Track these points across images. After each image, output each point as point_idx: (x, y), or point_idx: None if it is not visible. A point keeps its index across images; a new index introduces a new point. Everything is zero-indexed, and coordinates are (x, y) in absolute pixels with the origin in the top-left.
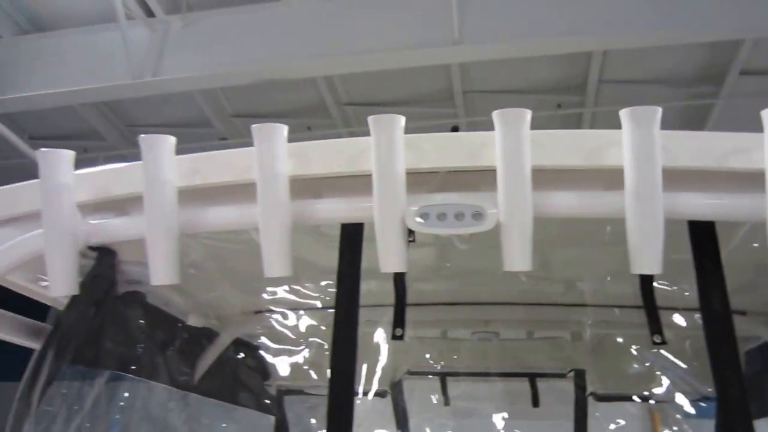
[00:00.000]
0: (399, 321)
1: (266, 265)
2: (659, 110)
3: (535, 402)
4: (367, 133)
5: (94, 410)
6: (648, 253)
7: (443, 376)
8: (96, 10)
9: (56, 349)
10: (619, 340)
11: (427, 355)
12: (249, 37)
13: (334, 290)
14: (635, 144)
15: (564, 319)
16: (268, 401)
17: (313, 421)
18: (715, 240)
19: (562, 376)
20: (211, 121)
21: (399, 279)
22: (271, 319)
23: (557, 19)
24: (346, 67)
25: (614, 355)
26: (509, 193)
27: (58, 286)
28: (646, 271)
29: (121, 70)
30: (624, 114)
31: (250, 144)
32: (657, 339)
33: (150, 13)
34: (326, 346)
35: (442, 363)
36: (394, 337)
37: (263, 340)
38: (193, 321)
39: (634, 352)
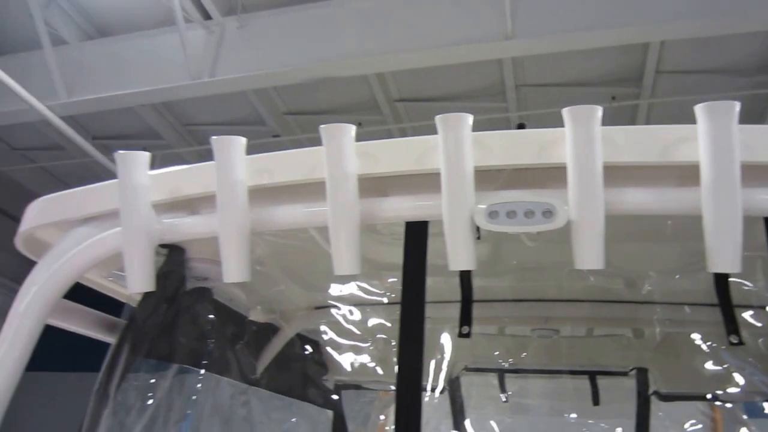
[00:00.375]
0: (466, 319)
1: (335, 263)
2: (737, 104)
3: (596, 400)
4: (417, 130)
5: (165, 402)
6: (726, 251)
7: (501, 373)
8: (155, 15)
9: (131, 343)
10: (684, 338)
11: (486, 352)
12: (302, 36)
13: (392, 285)
14: (712, 139)
15: (626, 316)
16: (326, 396)
17: (370, 415)
18: None
19: (623, 374)
20: (264, 119)
21: (465, 276)
22: (330, 315)
23: (612, 10)
24: (397, 64)
25: (678, 353)
26: (580, 191)
27: (136, 282)
28: (725, 270)
29: (180, 71)
30: (700, 109)
31: (302, 141)
32: (734, 339)
33: (207, 16)
34: (385, 342)
35: (501, 360)
36: (461, 335)
37: (322, 335)
38: (255, 316)
39: (700, 351)
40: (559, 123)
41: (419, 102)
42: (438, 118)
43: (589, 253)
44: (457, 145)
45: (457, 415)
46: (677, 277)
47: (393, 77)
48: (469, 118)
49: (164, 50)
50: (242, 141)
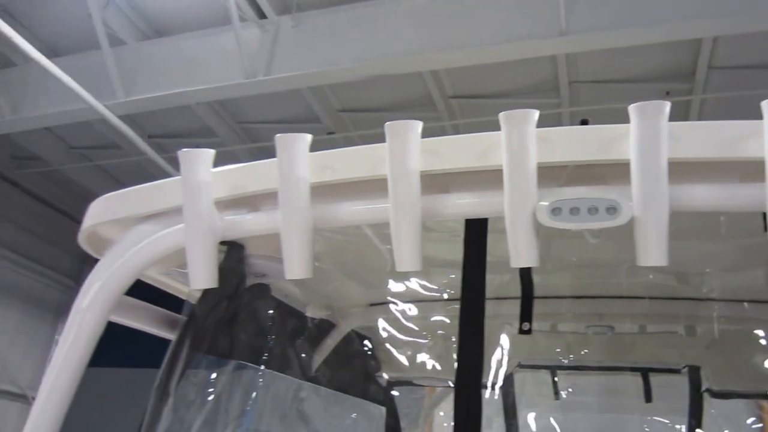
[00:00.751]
0: (527, 315)
1: (397, 260)
2: None
3: (648, 397)
4: (471, 127)
5: (224, 398)
6: None
7: (554, 370)
8: (211, 14)
9: (190, 339)
10: (739, 335)
11: (539, 349)
12: (356, 33)
13: (449, 282)
14: None
15: (681, 313)
16: (379, 392)
17: (421, 412)
18: None
19: (676, 371)
20: (318, 116)
21: (526, 273)
22: (385, 312)
23: (665, 5)
24: (452, 61)
25: (732, 350)
26: (645, 187)
27: (198, 279)
28: None
29: (235, 70)
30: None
31: (355, 138)
32: None
33: (262, 15)
34: (441, 338)
35: (554, 357)
36: (522, 332)
37: (377, 331)
38: (310, 313)
39: (754, 348)
40: (611, 119)
41: (473, 99)
42: (502, 115)
43: (653, 250)
44: (521, 142)
45: (509, 412)
46: (731, 273)
47: (447, 74)
48: (534, 114)
49: (220, 49)
50: (306, 138)
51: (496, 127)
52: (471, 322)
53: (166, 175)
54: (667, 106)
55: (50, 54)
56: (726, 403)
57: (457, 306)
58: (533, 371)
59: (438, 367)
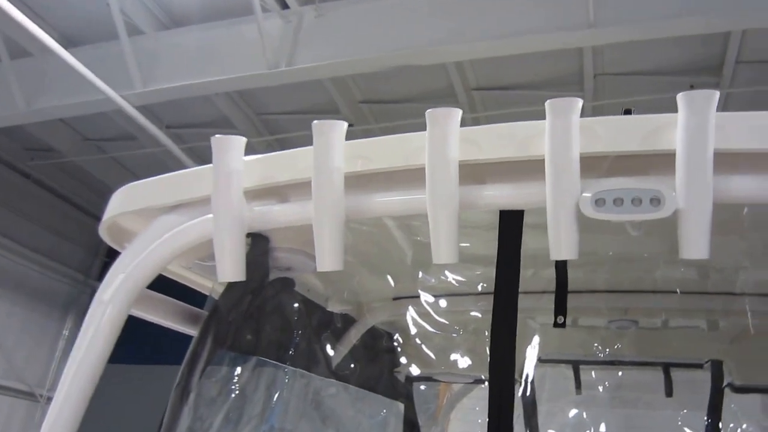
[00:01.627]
0: (561, 308)
1: (434, 252)
2: None
3: (669, 392)
4: (491, 119)
5: (247, 395)
6: None
7: (576, 365)
8: (232, 4)
9: (213, 334)
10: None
11: (561, 343)
12: (379, 24)
13: (476, 276)
14: None
15: (704, 307)
16: (398, 388)
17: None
18: None
19: (698, 366)
20: (339, 107)
21: (562, 266)
22: (408, 306)
23: None
24: (476, 52)
25: (757, 345)
26: (691, 178)
27: (227, 271)
28: None
29: (257, 61)
30: None
31: (375, 130)
32: None
33: (284, 5)
34: (467, 333)
35: (575, 351)
36: (556, 325)
37: (399, 326)
38: (332, 307)
39: None
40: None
41: (496, 90)
42: (548, 104)
43: (696, 243)
44: (564, 131)
45: (528, 407)
46: (755, 268)
47: (471, 65)
48: (579, 103)
49: (241, 40)
50: (343, 126)
51: (517, 119)
52: (504, 317)
53: (183, 166)
54: (716, 95)
55: (66, 44)
56: (746, 398)
57: (483, 301)
58: (553, 366)
59: (463, 363)
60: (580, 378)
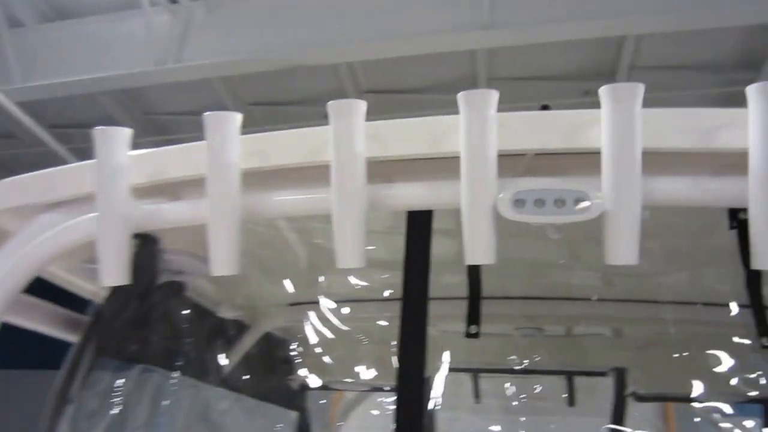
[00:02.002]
0: (474, 317)
1: (339, 255)
2: None
3: (571, 401)
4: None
5: (132, 405)
6: None
7: (476, 373)
8: None
9: (96, 341)
10: (668, 337)
11: (463, 351)
12: (272, 23)
13: (376, 281)
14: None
15: (610, 315)
16: (292, 397)
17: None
18: None
19: (601, 374)
20: (228, 108)
21: (475, 272)
22: (305, 312)
23: (589, 2)
24: (368, 53)
25: (661, 354)
26: (618, 179)
27: (110, 274)
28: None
29: (144, 57)
30: (752, 90)
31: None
32: (766, 342)
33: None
34: (362, 340)
35: (478, 359)
36: (469, 335)
37: (295, 333)
38: (226, 313)
39: (682, 350)
40: None
41: (389, 93)
42: (461, 96)
43: (624, 247)
44: (480, 126)
45: (428, 416)
46: (661, 275)
47: (363, 67)
48: (495, 96)
49: (127, 35)
50: (237, 117)
51: None
52: (413, 323)
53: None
54: (641, 88)
55: None
56: (648, 406)
57: (386, 306)
58: (454, 374)
59: (360, 371)
60: (480, 386)
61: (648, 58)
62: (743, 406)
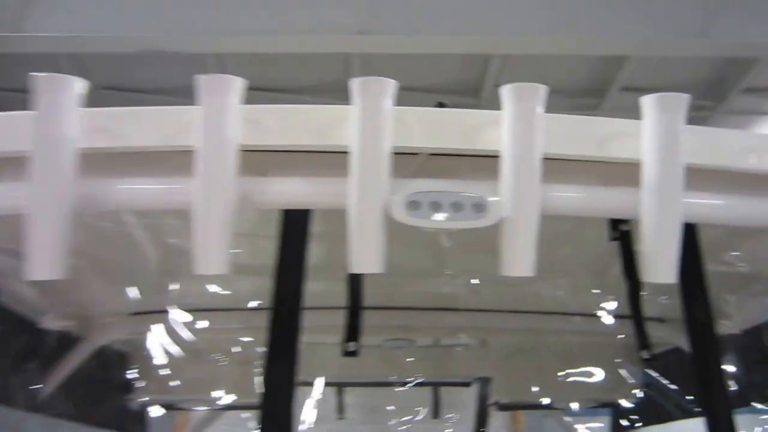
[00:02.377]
0: (353, 334)
1: (199, 259)
2: (686, 97)
3: (436, 413)
4: None
5: None
6: (664, 260)
7: (339, 387)
8: None
9: None
10: (534, 346)
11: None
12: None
13: (236, 289)
14: (660, 135)
15: (478, 325)
16: (131, 418)
17: None
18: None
19: (465, 384)
20: None
21: (356, 281)
22: (149, 322)
23: (466, 18)
24: (235, 46)
25: (524, 363)
26: (517, 183)
27: None
28: (661, 280)
29: None
30: (648, 100)
31: None
32: (645, 355)
33: None
34: (208, 352)
35: (340, 371)
36: (347, 353)
37: (135, 346)
38: (50, 323)
39: (545, 360)
40: None
41: (255, 91)
42: (357, 82)
43: (522, 257)
44: (374, 117)
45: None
46: (531, 283)
47: (233, 60)
48: (392, 86)
49: None
50: (78, 84)
51: None
52: (284, 334)
53: None
54: (543, 89)
55: None
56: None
57: (240, 317)
58: (310, 388)
59: (211, 387)
60: (344, 401)
61: (511, 78)
62: (595, 410)
